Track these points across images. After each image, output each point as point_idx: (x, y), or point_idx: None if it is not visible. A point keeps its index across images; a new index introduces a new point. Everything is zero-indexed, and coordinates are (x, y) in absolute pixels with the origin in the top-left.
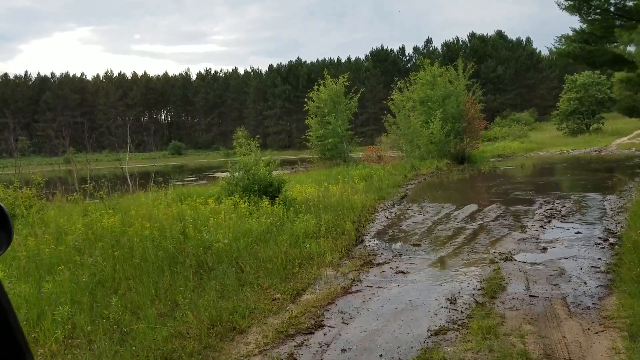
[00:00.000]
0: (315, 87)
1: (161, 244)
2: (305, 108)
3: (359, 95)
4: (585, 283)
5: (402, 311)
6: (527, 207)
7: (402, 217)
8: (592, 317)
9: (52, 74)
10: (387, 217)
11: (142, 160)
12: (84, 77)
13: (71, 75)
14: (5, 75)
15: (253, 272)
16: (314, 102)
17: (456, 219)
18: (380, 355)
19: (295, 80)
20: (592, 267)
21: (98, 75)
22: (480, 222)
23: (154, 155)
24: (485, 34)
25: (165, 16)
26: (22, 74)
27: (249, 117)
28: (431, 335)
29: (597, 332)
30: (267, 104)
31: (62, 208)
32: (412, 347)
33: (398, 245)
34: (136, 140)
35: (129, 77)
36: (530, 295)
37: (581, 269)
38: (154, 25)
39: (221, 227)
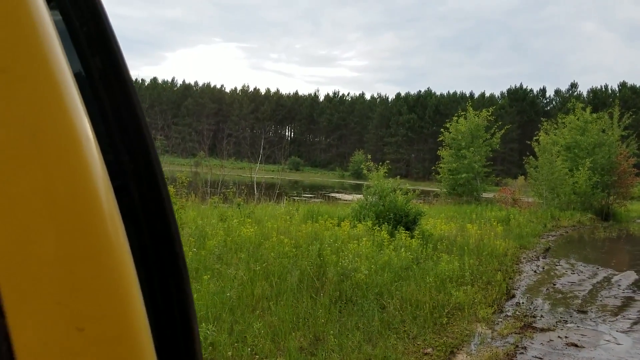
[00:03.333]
0: (455, 118)
1: (297, 263)
2: (440, 139)
3: (503, 131)
4: None
5: None
6: None
7: (552, 273)
8: None
9: (196, 83)
10: (535, 271)
11: (262, 172)
12: (223, 88)
13: (212, 85)
14: (155, 79)
15: (397, 314)
16: (450, 133)
17: (619, 286)
18: None
19: (422, 110)
20: None
21: (235, 88)
22: None
23: (274, 168)
24: (637, 85)
25: (302, 38)
26: (170, 80)
27: (369, 141)
28: None
29: None
30: (389, 131)
31: (198, 209)
32: None
33: (559, 308)
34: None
35: (262, 93)
36: None
37: None
38: (289, 47)
39: (359, 255)
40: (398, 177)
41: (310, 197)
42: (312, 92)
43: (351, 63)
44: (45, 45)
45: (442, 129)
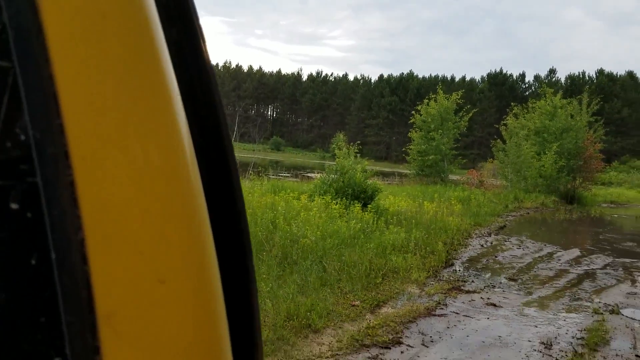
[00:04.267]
0: (425, 101)
1: (250, 229)
2: (411, 121)
3: (470, 115)
4: None
5: (489, 346)
6: (637, 260)
7: (498, 248)
8: None
9: None
10: (482, 245)
11: (243, 150)
12: None
13: None
14: None
15: (335, 273)
16: (421, 115)
17: (559, 260)
18: None
19: (403, 92)
20: None
21: (217, 64)
22: (585, 268)
23: (255, 147)
24: (614, 73)
25: (288, 15)
26: None
27: (350, 123)
28: None
29: None
30: (371, 113)
31: None
32: None
33: (491, 276)
34: (242, 129)
35: (245, 70)
36: (637, 356)
37: None
38: (275, 24)
39: (310, 224)
40: (367, 158)
41: (288, 176)
42: (295, 71)
43: (338, 42)
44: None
45: (413, 112)
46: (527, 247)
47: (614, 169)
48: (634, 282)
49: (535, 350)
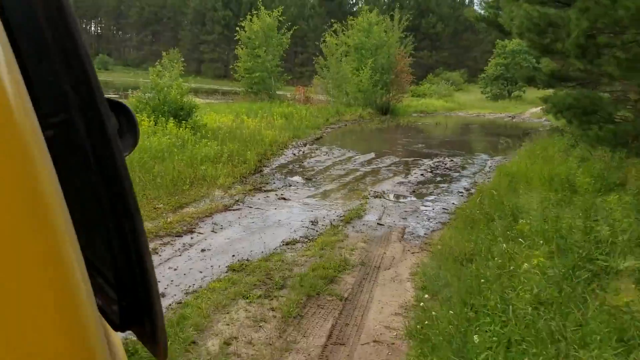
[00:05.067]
0: (248, 17)
1: None
2: (237, 37)
3: (292, 32)
4: (429, 219)
5: (268, 227)
6: (421, 159)
7: (308, 156)
8: (417, 243)
9: None
10: (294, 154)
11: None
12: None
13: None
14: None
15: (142, 184)
16: (245, 32)
17: (355, 162)
18: (233, 255)
19: (237, 6)
20: (443, 209)
21: None
22: (374, 166)
23: None
24: None
25: None
26: None
27: (184, 39)
28: (282, 245)
29: (413, 253)
30: (205, 29)
31: None
32: (262, 252)
33: (292, 178)
34: None
35: None
36: (378, 224)
37: (433, 209)
38: None
39: None
40: (194, 75)
41: (114, 96)
42: None
43: None
44: None
45: (237, 28)
46: (333, 154)
47: (429, 81)
48: (407, 175)
49: (303, 227)
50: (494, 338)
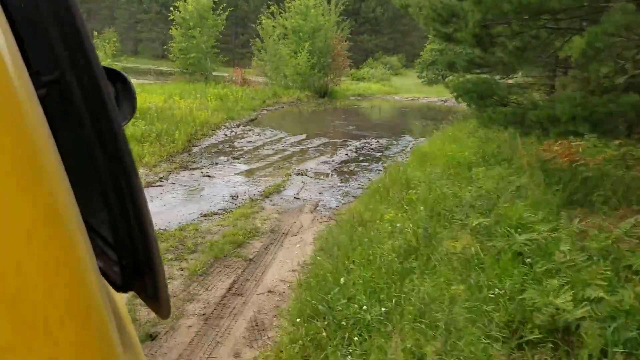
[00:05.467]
0: None
1: None
2: (171, 17)
3: (227, 13)
4: (344, 195)
5: (189, 201)
6: (349, 140)
7: (239, 136)
8: (327, 214)
9: None
10: (226, 135)
11: None
12: None
13: None
14: None
15: None
16: (180, 12)
17: (285, 142)
18: None
19: None
20: (359, 185)
21: None
22: (302, 147)
23: None
24: None
25: None
26: None
27: (120, 18)
28: (200, 216)
29: (321, 222)
30: (142, 7)
31: None
32: (179, 222)
33: (220, 157)
34: None
35: None
36: (294, 198)
37: (350, 185)
38: None
39: None
40: (126, 56)
41: None
42: None
43: None
44: None
45: (171, 8)
46: (265, 135)
47: (368, 65)
48: (333, 155)
49: (223, 201)
50: (360, 280)
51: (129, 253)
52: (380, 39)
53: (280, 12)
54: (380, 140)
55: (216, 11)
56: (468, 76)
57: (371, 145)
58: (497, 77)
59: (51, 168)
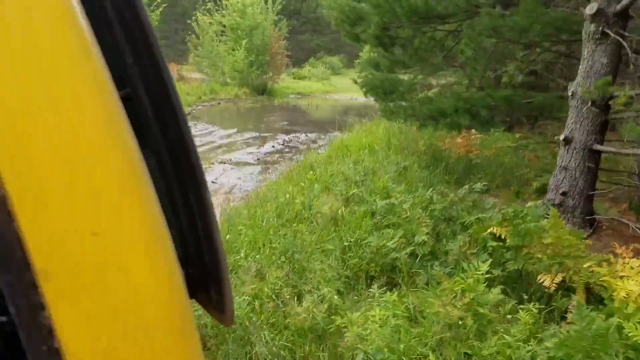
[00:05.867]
0: None
1: None
2: None
3: (161, 9)
4: (263, 180)
5: None
6: (279, 134)
7: None
8: (239, 195)
9: None
10: None
11: None
12: None
13: None
14: None
15: None
16: None
17: (214, 135)
18: None
19: None
20: (278, 172)
21: None
22: (231, 139)
23: None
24: None
25: None
26: None
27: None
28: None
29: (232, 202)
30: None
31: None
32: None
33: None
34: None
35: None
36: (212, 182)
37: (269, 172)
38: None
39: None
40: None
41: None
42: None
43: None
44: None
45: None
46: (196, 128)
47: (310, 65)
48: (260, 147)
49: None
50: (246, 239)
51: (197, 266)
52: (322, 39)
53: (217, 9)
54: (309, 135)
55: (150, 7)
56: (376, 73)
57: (299, 138)
58: (420, 76)
59: (147, 180)
